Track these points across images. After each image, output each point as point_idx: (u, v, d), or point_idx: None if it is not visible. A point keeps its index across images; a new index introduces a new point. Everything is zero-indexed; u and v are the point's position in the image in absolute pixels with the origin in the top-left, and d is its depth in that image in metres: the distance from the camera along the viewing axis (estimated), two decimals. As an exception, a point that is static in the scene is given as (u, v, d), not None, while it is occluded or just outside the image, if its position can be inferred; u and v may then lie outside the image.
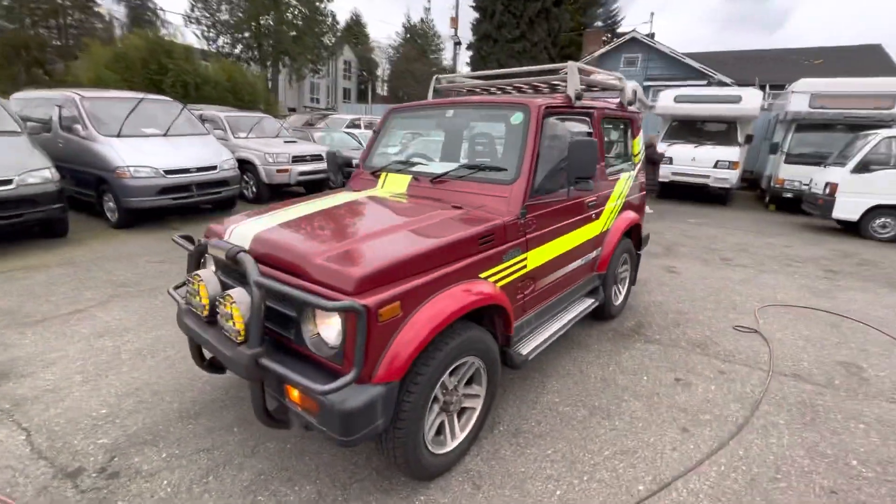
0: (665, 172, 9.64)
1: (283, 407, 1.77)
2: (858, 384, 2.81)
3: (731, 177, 9.13)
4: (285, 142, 8.53)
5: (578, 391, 2.66)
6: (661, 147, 9.71)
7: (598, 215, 3.05)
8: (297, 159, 8.03)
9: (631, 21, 53.48)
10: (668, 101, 9.89)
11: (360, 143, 9.80)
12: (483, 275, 2.01)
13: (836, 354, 3.18)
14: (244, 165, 7.69)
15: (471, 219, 2.14)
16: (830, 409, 2.54)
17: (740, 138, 9.60)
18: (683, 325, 3.57)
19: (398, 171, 2.79)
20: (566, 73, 2.71)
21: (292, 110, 24.21)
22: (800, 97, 8.70)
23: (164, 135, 6.23)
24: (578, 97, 2.71)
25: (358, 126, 12.68)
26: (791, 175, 8.74)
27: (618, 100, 3.48)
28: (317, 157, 8.28)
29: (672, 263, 5.35)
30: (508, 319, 2.15)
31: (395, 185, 2.73)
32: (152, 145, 5.97)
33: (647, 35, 19.65)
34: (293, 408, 1.66)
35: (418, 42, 41.35)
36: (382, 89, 43.29)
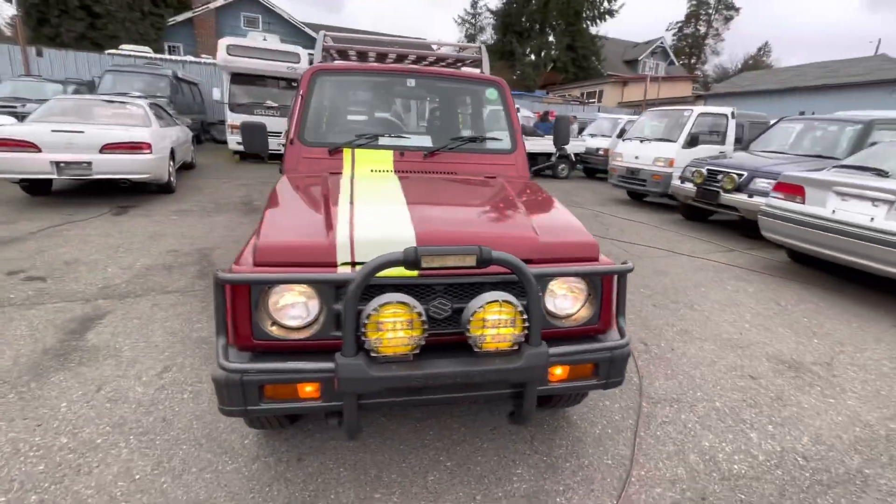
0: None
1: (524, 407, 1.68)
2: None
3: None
4: None
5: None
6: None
7: None
8: None
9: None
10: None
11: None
12: None
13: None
14: None
15: (533, 185, 2.41)
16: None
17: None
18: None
19: (371, 147, 2.46)
20: (479, 53, 3.10)
21: None
22: (222, 48, 9.52)
23: None
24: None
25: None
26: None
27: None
28: None
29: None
30: None
31: (375, 161, 2.42)
32: None
33: (265, -6, 19.22)
34: (555, 387, 1.67)
35: None
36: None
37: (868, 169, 4.24)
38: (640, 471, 1.93)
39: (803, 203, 4.26)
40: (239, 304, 1.47)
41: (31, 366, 2.42)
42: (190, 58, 14.37)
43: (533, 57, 30.39)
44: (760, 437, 2.19)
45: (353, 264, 1.52)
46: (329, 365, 1.41)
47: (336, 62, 3.02)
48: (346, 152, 2.44)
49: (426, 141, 2.67)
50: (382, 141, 2.54)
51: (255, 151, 2.47)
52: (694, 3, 41.20)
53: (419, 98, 2.81)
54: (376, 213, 1.72)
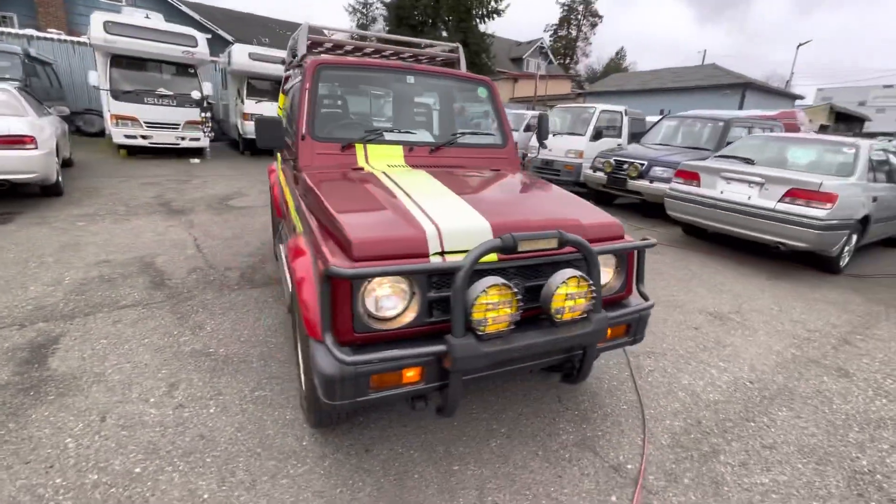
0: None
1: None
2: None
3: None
4: None
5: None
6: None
7: None
8: None
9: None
10: (244, 57, 9.86)
11: None
12: None
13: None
14: None
15: (535, 177, 2.67)
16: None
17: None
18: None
19: (380, 143, 2.51)
20: (456, 52, 3.27)
21: None
22: (97, 25, 7.98)
23: None
24: None
25: None
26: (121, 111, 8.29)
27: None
28: None
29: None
30: None
31: (387, 156, 2.49)
32: None
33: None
34: (602, 346, 1.97)
35: None
36: None
37: (739, 158, 5.36)
38: (649, 410, 2.35)
39: (699, 186, 5.23)
40: (340, 299, 1.50)
41: (2, 403, 2.03)
42: (34, 32, 11.87)
43: (428, 50, 30.83)
44: (717, 372, 2.77)
45: (443, 254, 1.64)
46: (438, 347, 1.52)
47: (338, 56, 2.93)
48: (359, 147, 2.45)
49: (427, 136, 2.78)
50: (389, 136, 2.60)
51: (270, 147, 2.35)
52: (565, 8, 45.42)
53: (416, 94, 2.89)
54: (442, 206, 1.84)
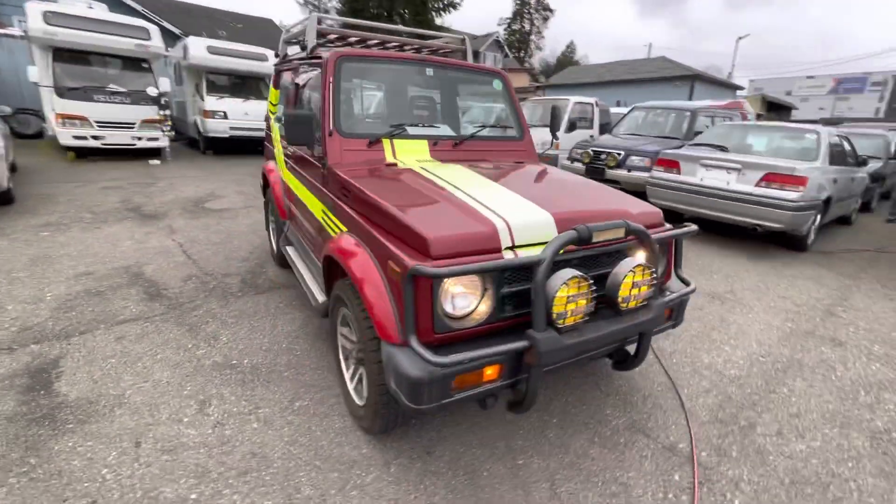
0: (221, 127, 9.56)
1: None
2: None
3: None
4: None
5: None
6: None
7: None
8: None
9: None
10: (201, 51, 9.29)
11: None
12: None
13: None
14: None
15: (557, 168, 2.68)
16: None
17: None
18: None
19: (405, 137, 2.44)
20: (463, 44, 3.22)
21: None
22: (35, 15, 7.20)
23: None
24: None
25: None
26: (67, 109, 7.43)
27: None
28: None
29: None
30: None
31: (413, 151, 2.43)
32: None
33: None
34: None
35: None
36: None
37: (714, 146, 5.65)
38: (683, 390, 2.44)
39: (679, 173, 5.47)
40: (422, 299, 1.45)
41: (8, 440, 1.81)
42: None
43: (385, 44, 30.37)
44: (731, 349, 2.92)
45: (513, 248, 1.61)
46: (521, 343, 1.50)
47: (356, 49, 2.79)
48: (386, 143, 2.37)
49: (448, 130, 2.73)
50: (413, 131, 2.53)
51: (301, 144, 2.21)
52: (518, 1, 45.99)
53: (434, 87, 2.81)
54: (500, 200, 1.81)
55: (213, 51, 9.39)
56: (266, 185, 3.89)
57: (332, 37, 2.96)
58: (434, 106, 2.76)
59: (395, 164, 2.26)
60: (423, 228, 1.52)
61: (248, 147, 10.92)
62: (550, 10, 46.86)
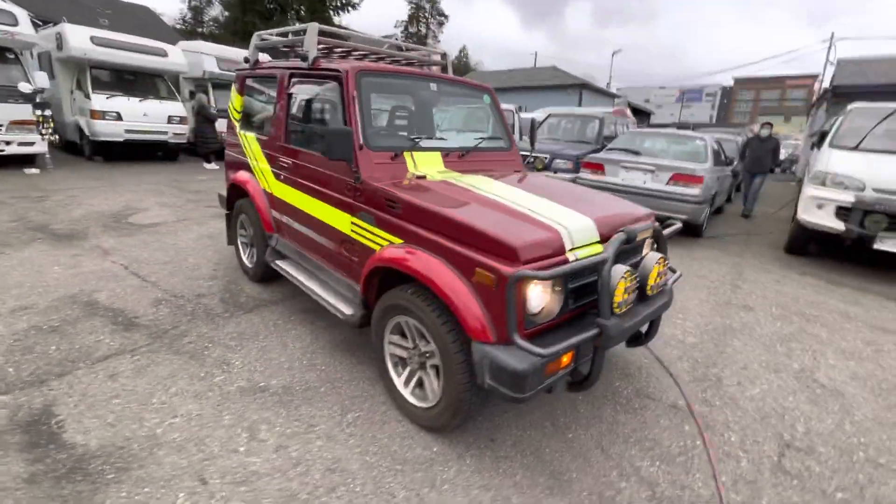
0: (114, 130, 8.42)
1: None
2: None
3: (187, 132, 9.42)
4: None
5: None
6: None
7: None
8: None
9: None
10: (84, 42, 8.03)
11: None
12: None
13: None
14: None
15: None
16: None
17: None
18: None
19: (419, 150, 2.56)
20: (444, 59, 3.38)
21: None
22: None
23: None
24: None
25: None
26: None
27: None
28: None
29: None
30: None
31: (430, 163, 2.58)
32: None
33: None
34: None
35: None
36: None
37: (627, 150, 6.55)
38: (664, 359, 2.93)
39: (604, 175, 6.24)
40: (518, 300, 1.63)
41: (47, 498, 1.57)
42: None
43: (281, 41, 28.78)
44: (682, 321, 3.54)
45: (573, 249, 1.87)
46: (594, 331, 1.77)
47: (371, 63, 2.76)
48: (407, 156, 2.47)
49: (452, 142, 2.89)
50: (426, 143, 2.65)
51: (342, 160, 2.18)
52: (413, 5, 46.66)
53: (437, 101, 2.92)
54: (546, 208, 2.05)
55: (98, 42, 8.18)
56: (232, 198, 3.65)
57: (321, 47, 2.93)
58: (440, 119, 2.90)
59: (424, 177, 2.37)
60: (509, 237, 1.70)
61: (146, 153, 9.77)
62: (445, 16, 48.37)
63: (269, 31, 3.26)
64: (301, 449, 1.93)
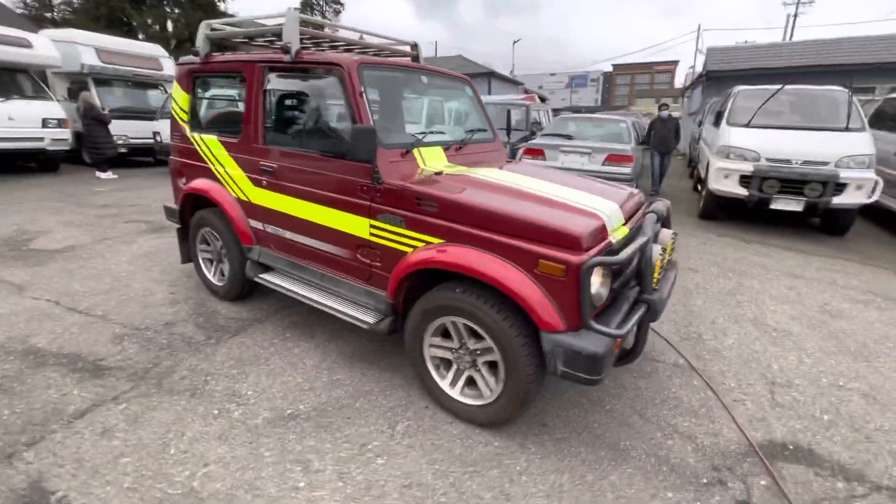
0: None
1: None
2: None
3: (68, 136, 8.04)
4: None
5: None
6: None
7: None
8: None
9: None
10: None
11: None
12: None
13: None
14: None
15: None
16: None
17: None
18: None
19: (423, 145, 2.50)
20: (415, 49, 3.28)
21: None
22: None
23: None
24: None
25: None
26: None
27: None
28: None
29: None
30: None
31: (435, 158, 2.53)
32: None
33: None
34: None
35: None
36: None
37: (561, 135, 6.95)
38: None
39: (545, 159, 6.57)
40: (584, 288, 1.69)
41: None
42: None
43: (158, 28, 25.54)
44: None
45: (612, 233, 1.97)
46: (644, 308, 1.89)
47: (373, 59, 2.51)
48: (415, 151, 2.38)
49: (445, 135, 2.83)
50: (427, 138, 2.57)
51: (366, 160, 2.00)
52: (307, -9, 44.13)
53: (426, 94, 2.79)
54: (576, 196, 2.12)
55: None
56: (187, 210, 3.21)
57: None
58: (433, 112, 2.82)
59: (440, 172, 2.31)
60: (571, 227, 1.74)
61: (13, 165, 8.21)
62: (341, 4, 46.51)
63: (220, 20, 2.89)
64: (365, 471, 1.81)
